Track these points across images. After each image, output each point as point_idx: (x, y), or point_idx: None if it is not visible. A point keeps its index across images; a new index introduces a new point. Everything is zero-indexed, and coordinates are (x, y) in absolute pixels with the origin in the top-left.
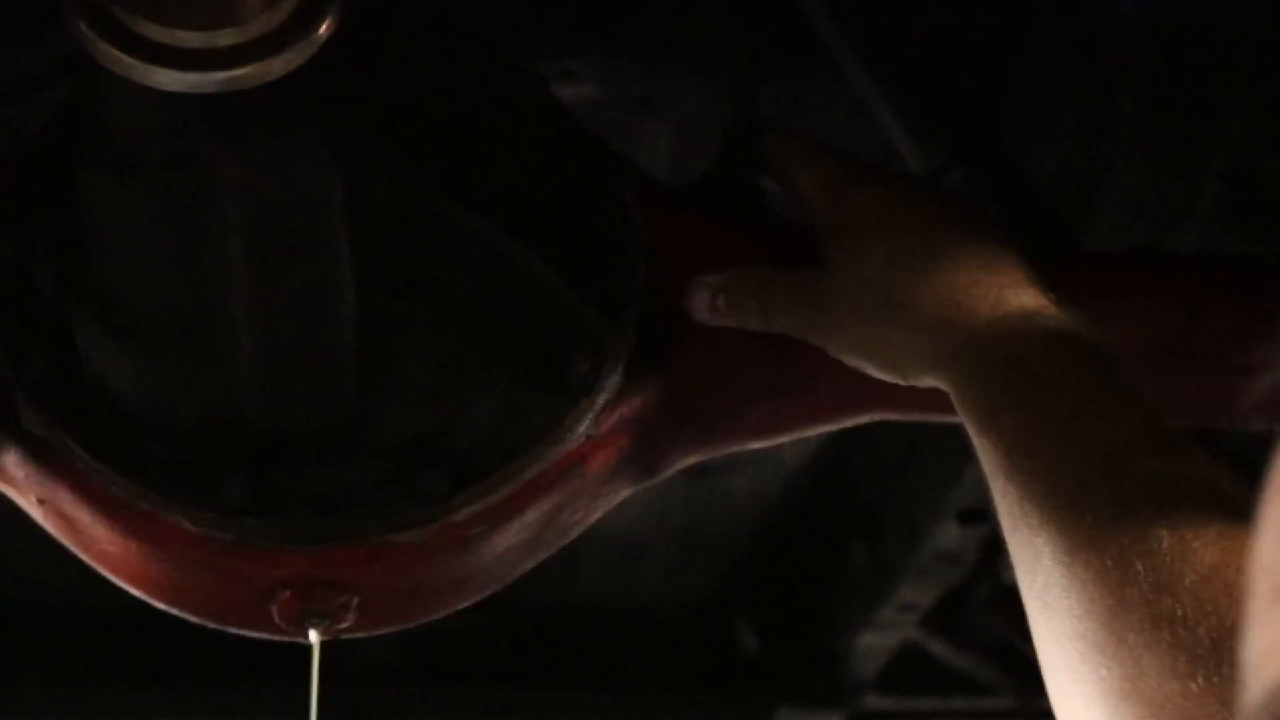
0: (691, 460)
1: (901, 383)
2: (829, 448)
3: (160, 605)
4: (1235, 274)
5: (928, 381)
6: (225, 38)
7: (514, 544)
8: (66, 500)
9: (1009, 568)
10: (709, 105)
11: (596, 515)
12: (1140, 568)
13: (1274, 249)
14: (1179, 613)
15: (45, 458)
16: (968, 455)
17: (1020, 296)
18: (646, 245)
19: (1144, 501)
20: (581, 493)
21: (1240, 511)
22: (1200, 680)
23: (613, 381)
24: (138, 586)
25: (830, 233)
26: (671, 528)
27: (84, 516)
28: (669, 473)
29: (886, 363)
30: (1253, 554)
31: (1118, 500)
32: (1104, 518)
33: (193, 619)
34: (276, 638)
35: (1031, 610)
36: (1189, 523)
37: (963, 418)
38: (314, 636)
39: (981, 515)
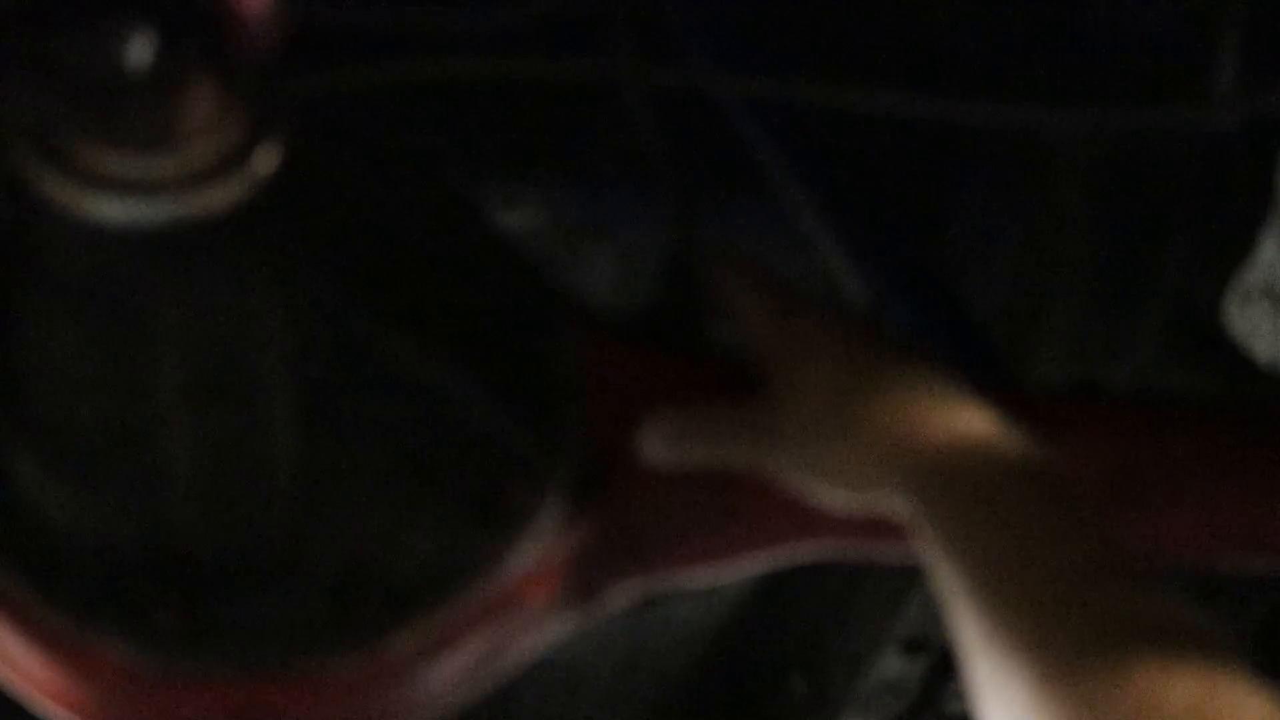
0: (631, 591)
1: (854, 504)
2: (772, 577)
3: None
4: (1170, 414)
5: (884, 501)
6: (167, 170)
7: (450, 676)
8: None
9: (951, 699)
10: (651, 232)
11: (536, 648)
12: (1116, 700)
13: (1214, 379)
14: None
15: None
16: (911, 585)
17: (977, 423)
18: (587, 377)
19: (1119, 632)
20: (519, 625)
21: (1208, 645)
22: None
23: (551, 514)
24: (67, 715)
25: (775, 359)
26: (613, 656)
27: (14, 643)
28: (610, 605)
29: (841, 481)
30: None
31: (1092, 629)
32: (1079, 647)
33: None
34: None
35: None
36: (1164, 657)
37: (923, 539)
38: None
39: (924, 646)
